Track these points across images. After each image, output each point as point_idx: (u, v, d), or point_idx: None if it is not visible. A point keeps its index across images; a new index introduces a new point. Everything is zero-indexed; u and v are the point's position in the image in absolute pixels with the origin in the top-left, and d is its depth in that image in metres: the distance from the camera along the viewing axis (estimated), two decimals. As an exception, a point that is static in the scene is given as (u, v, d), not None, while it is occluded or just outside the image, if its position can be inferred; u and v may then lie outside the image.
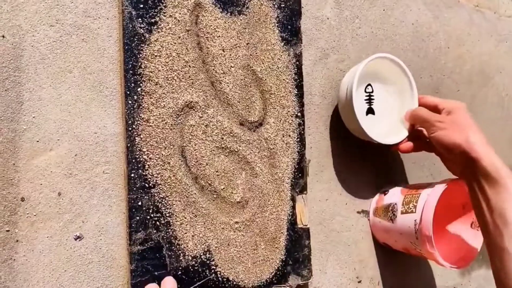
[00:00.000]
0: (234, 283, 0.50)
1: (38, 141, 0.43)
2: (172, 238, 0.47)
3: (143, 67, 0.47)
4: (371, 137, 0.56)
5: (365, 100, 0.61)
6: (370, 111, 0.61)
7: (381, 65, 0.60)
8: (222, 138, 0.51)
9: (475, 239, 0.58)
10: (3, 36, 0.42)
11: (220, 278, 0.49)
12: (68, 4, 0.45)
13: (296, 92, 0.56)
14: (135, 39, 0.46)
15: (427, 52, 0.71)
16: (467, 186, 0.53)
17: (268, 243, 0.52)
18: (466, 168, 0.52)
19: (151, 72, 0.47)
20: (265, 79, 0.54)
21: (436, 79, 0.72)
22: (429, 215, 0.53)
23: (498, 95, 0.81)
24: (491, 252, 0.49)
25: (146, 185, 0.46)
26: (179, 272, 0.47)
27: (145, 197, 0.46)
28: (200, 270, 0.48)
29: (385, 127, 0.61)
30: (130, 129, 0.46)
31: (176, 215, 0.47)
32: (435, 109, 0.58)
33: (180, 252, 0.47)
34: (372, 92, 0.61)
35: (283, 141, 0.55)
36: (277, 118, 0.54)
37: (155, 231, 0.46)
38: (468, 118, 0.54)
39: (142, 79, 0.46)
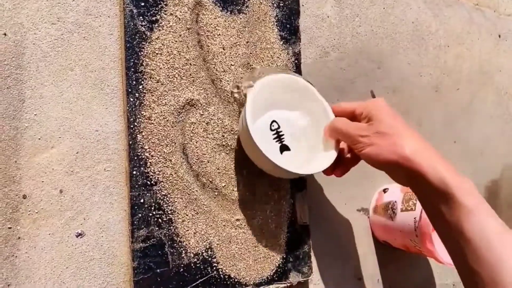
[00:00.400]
0: (236, 280, 0.50)
1: (39, 139, 0.43)
2: (174, 235, 0.47)
3: (144, 65, 0.47)
4: (296, 172, 0.49)
5: (274, 139, 0.52)
6: (283, 148, 0.52)
7: (271, 92, 0.51)
8: (223, 136, 0.51)
9: None
10: (5, 34, 0.42)
11: (221, 275, 0.49)
12: (69, 2, 0.45)
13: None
14: (136, 37, 0.46)
15: (427, 50, 0.72)
16: (418, 200, 0.47)
17: (269, 241, 0.53)
18: (411, 183, 0.45)
19: (153, 70, 0.47)
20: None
21: (436, 77, 0.73)
22: None
23: (497, 94, 0.81)
24: (460, 272, 0.42)
25: (148, 182, 0.46)
26: (181, 269, 0.47)
27: (147, 194, 0.46)
28: (202, 267, 0.48)
29: (308, 156, 0.52)
30: (132, 126, 0.46)
31: (178, 213, 0.47)
32: (354, 116, 0.50)
33: (182, 249, 0.47)
34: (278, 128, 0.52)
35: (283, 139, 0.55)
36: (278, 116, 0.54)
37: (157, 228, 0.46)
38: (392, 120, 0.46)
39: (144, 76, 0.47)
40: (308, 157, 0.52)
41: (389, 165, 0.45)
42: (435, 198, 0.42)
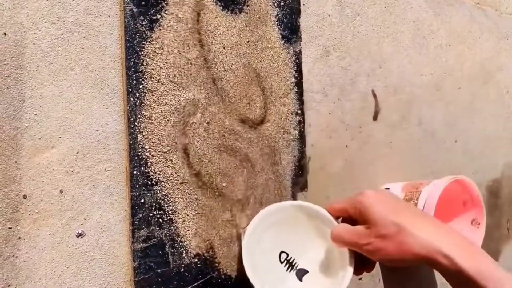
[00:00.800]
0: (237, 280, 0.50)
1: (40, 139, 0.43)
2: (175, 235, 0.47)
3: (144, 65, 0.47)
4: None
5: (287, 269, 0.50)
6: (301, 272, 0.50)
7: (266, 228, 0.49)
8: (224, 136, 0.51)
9: (475, 236, 0.58)
10: (5, 34, 0.42)
11: (222, 276, 0.49)
12: (69, 2, 0.45)
13: (296, 90, 0.56)
14: (137, 37, 0.46)
15: (428, 49, 0.71)
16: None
17: (269, 241, 0.53)
18: (441, 273, 0.42)
19: (153, 70, 0.47)
20: (266, 77, 0.54)
21: (437, 76, 0.72)
22: (429, 212, 0.53)
23: (499, 93, 0.81)
24: None
25: (149, 182, 0.46)
26: (182, 270, 0.47)
27: (148, 194, 0.46)
28: (202, 267, 0.48)
29: (330, 269, 0.50)
30: (132, 126, 0.46)
31: (178, 213, 0.47)
32: (350, 216, 0.48)
33: (182, 249, 0.47)
34: (288, 257, 0.50)
35: (283, 138, 0.55)
36: (278, 115, 0.55)
37: (157, 228, 0.46)
38: (389, 216, 0.43)
39: (144, 76, 0.46)
40: (331, 271, 0.49)
41: (404, 263, 0.43)
42: (458, 285, 0.40)
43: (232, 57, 0.52)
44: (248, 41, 0.53)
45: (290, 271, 0.50)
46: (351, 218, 0.47)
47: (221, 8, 0.51)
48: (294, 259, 0.50)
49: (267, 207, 0.49)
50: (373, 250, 0.43)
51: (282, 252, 0.50)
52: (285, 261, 0.50)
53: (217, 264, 0.49)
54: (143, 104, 0.46)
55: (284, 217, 0.50)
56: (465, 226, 0.59)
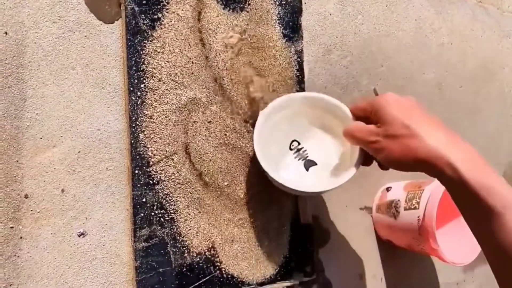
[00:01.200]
0: (239, 279, 0.50)
1: (41, 138, 0.43)
2: (177, 234, 0.47)
3: (146, 64, 0.46)
4: (333, 187, 0.47)
5: (297, 158, 0.52)
6: (309, 163, 0.51)
7: (292, 112, 0.50)
8: (225, 135, 0.51)
9: None
10: (6, 33, 0.42)
11: (224, 275, 0.49)
12: (70, 1, 0.45)
13: (297, 89, 0.56)
14: (138, 36, 0.46)
15: (430, 48, 0.71)
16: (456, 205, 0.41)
17: (272, 240, 0.52)
18: (444, 185, 0.40)
19: (154, 69, 0.47)
20: (267, 76, 0.54)
21: (439, 75, 0.72)
22: (432, 211, 0.53)
23: (501, 91, 0.81)
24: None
25: (150, 181, 0.46)
26: (184, 269, 0.47)
27: (149, 193, 0.46)
28: (204, 266, 0.48)
29: (339, 165, 0.51)
30: (133, 125, 0.46)
31: (180, 212, 0.47)
32: (367, 116, 0.47)
33: (184, 248, 0.47)
34: (299, 145, 0.51)
35: (285, 137, 0.55)
36: (280, 114, 0.54)
37: (159, 227, 0.46)
38: (402, 118, 0.42)
39: (145, 75, 0.46)
40: (337, 167, 0.50)
41: (407, 168, 0.42)
42: (479, 212, 0.37)
43: (233, 55, 0.52)
44: (250, 40, 0.53)
45: (299, 159, 0.52)
46: (369, 119, 0.47)
47: (222, 6, 0.51)
48: (305, 150, 0.51)
49: (283, 96, 0.51)
50: (379, 148, 0.43)
51: (294, 140, 0.51)
52: (295, 149, 0.52)
53: (219, 263, 0.49)
54: (144, 103, 0.46)
55: (299, 110, 0.51)
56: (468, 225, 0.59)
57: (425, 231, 0.54)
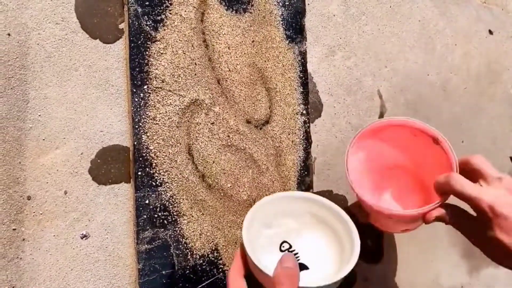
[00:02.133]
0: (241, 282, 0.50)
1: (44, 140, 0.43)
2: (180, 236, 0.47)
3: (149, 65, 0.46)
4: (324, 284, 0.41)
5: None
6: (301, 267, 0.46)
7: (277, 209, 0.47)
8: (229, 136, 0.50)
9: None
10: (9, 34, 0.42)
11: (227, 277, 0.49)
12: (73, 2, 0.45)
13: (301, 90, 0.56)
14: (141, 37, 0.46)
15: (434, 49, 0.71)
16: None
17: (275, 242, 0.52)
18: None
19: (157, 70, 0.47)
20: (271, 77, 0.53)
21: (443, 76, 0.72)
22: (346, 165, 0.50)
23: (506, 92, 0.80)
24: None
25: (153, 183, 0.46)
26: (187, 271, 0.47)
27: (152, 195, 0.46)
28: (208, 269, 0.48)
29: (331, 267, 0.46)
30: (136, 127, 0.45)
31: (183, 214, 0.47)
32: (476, 176, 0.46)
33: (187, 251, 0.47)
34: (290, 248, 0.48)
35: (288, 139, 0.54)
36: (283, 116, 0.54)
37: (162, 229, 0.46)
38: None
39: (148, 76, 0.46)
40: (330, 268, 0.46)
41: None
42: None
43: (236, 57, 0.51)
44: (253, 41, 0.53)
45: None
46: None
47: (226, 8, 0.51)
48: (297, 253, 0.48)
49: (264, 198, 0.48)
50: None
51: (284, 241, 0.48)
52: (285, 252, 0.47)
53: (222, 266, 0.49)
54: (147, 105, 0.46)
55: (285, 208, 0.48)
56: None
57: (350, 188, 0.51)
